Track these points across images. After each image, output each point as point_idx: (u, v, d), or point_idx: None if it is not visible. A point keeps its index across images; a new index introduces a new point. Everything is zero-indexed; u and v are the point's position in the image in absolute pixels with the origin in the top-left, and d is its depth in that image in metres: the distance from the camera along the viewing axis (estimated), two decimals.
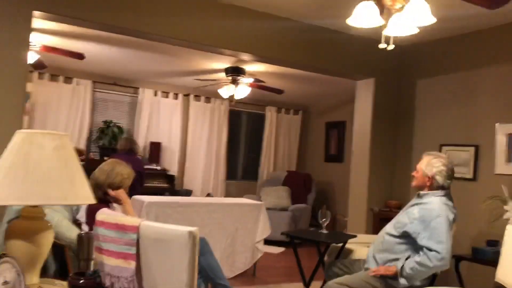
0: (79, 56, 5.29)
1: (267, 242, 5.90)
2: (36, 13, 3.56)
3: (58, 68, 6.71)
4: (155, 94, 7.57)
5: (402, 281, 2.81)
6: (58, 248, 2.34)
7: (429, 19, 2.44)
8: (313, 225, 7.22)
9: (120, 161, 3.01)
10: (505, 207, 3.68)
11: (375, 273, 2.91)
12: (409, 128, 5.14)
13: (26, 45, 3.51)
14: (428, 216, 2.84)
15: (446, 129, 4.72)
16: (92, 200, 1.94)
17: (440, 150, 4.68)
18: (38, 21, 4.05)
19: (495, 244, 3.64)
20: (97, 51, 5.70)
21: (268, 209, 6.43)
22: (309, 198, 7.44)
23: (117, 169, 2.89)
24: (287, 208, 7.08)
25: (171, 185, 7.22)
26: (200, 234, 4.42)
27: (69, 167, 1.87)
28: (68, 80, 6.94)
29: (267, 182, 7.89)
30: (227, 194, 8.12)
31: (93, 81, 7.10)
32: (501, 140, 4.16)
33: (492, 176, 4.21)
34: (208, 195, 7.75)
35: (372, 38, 4.40)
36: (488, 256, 3.54)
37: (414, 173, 3.11)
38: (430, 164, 3.01)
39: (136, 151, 5.66)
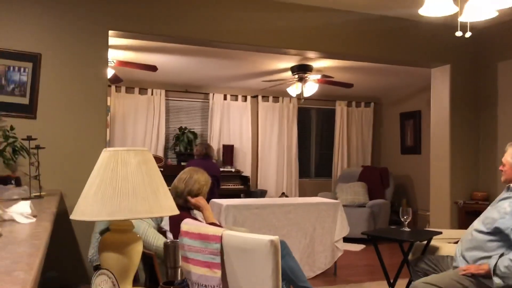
0: (152, 68, 5.52)
1: (347, 240, 5.82)
2: (111, 32, 3.77)
3: (133, 80, 7.06)
4: (225, 98, 7.73)
5: (497, 280, 2.63)
6: (147, 257, 2.46)
7: (509, 0, 2.27)
8: (393, 221, 7.01)
9: (197, 168, 3.09)
10: None
11: (466, 272, 2.76)
12: (492, 114, 4.82)
13: (105, 62, 3.73)
14: None
15: None
16: (176, 211, 2.01)
17: None
18: (112, 38, 4.29)
19: None
20: (168, 61, 5.92)
21: (345, 206, 6.35)
22: (387, 193, 7.22)
23: (195, 177, 2.98)
24: (364, 205, 6.92)
25: (246, 186, 7.34)
26: (277, 235, 4.46)
27: (152, 180, 1.95)
28: (143, 91, 7.28)
29: (341, 179, 7.77)
30: (301, 193, 8.10)
31: (166, 90, 7.38)
32: None
33: None
34: (283, 194, 7.78)
35: (444, 23, 4.18)
36: None
37: (501, 167, 2.92)
38: None
39: (211, 155, 5.80)
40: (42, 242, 1.41)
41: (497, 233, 2.75)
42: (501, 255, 2.70)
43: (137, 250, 1.97)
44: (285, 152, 8.05)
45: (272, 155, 7.99)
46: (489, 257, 2.75)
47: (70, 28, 3.57)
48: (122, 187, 1.86)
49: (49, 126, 3.45)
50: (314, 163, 8.62)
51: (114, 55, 5.49)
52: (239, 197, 6.70)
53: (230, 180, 7.29)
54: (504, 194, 2.89)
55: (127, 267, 1.93)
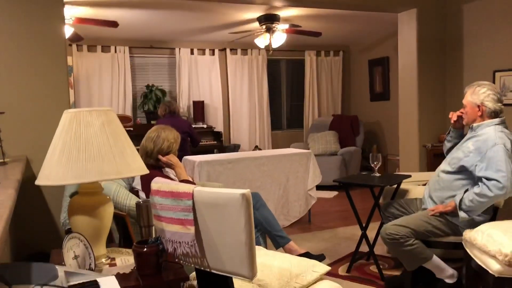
0: (113, 24, 5.29)
1: (320, 188, 5.94)
2: None
3: (95, 38, 6.79)
4: (192, 53, 7.54)
5: (462, 214, 2.75)
6: (120, 218, 2.44)
7: None
8: (364, 167, 7.17)
9: (165, 126, 3.04)
10: None
11: (434, 212, 2.87)
12: (458, 57, 4.86)
13: (61, 18, 3.53)
14: (484, 147, 2.74)
15: (498, 54, 4.43)
16: (145, 170, 1.99)
17: (493, 77, 4.44)
18: None
19: None
20: (129, 16, 5.69)
21: (317, 155, 6.44)
22: (357, 140, 7.34)
23: (163, 135, 2.93)
24: (336, 153, 7.04)
25: (218, 141, 7.32)
26: (252, 188, 4.50)
27: (118, 140, 1.90)
28: (105, 48, 7.02)
29: (313, 129, 7.83)
30: (274, 145, 8.15)
31: (130, 46, 7.15)
32: None
33: None
34: (256, 147, 7.81)
35: None
36: None
37: (461, 111, 2.99)
38: (475, 93, 2.88)
39: (178, 112, 5.71)
40: (5, 211, 1.37)
41: (462, 171, 2.84)
42: (466, 191, 2.80)
43: (108, 211, 1.95)
44: (256, 105, 8.01)
45: (244, 109, 7.95)
46: (455, 196, 2.85)
47: None
48: (87, 149, 1.81)
49: (7, 89, 3.29)
50: (286, 114, 8.63)
51: (72, 12, 5.22)
52: (212, 153, 6.69)
53: (203, 136, 7.24)
54: (468, 134, 2.96)
55: (99, 229, 1.92)
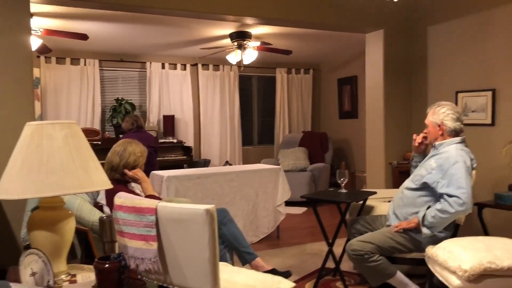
0: (83, 36, 5.23)
1: (290, 204, 5.96)
2: None
3: (64, 50, 6.70)
4: (163, 67, 7.52)
5: (425, 230, 2.81)
6: (83, 233, 2.39)
7: None
8: (333, 183, 7.24)
9: (131, 140, 3.01)
10: None
11: (398, 228, 2.92)
12: (423, 78, 5.02)
13: (27, 30, 3.48)
14: (446, 164, 2.83)
15: (461, 76, 4.60)
16: (109, 185, 1.96)
17: (456, 97, 4.59)
18: (37, 5, 4.00)
19: None
20: (100, 29, 5.64)
21: (287, 171, 6.48)
22: (326, 157, 7.43)
23: (129, 148, 2.90)
24: (305, 169, 7.10)
25: (188, 156, 7.27)
26: (220, 203, 4.48)
27: (81, 154, 1.88)
28: (75, 61, 6.93)
29: (283, 145, 7.89)
30: (245, 160, 8.16)
31: (100, 59, 7.07)
32: None
33: (511, 119, 4.11)
34: (226, 163, 7.80)
35: None
36: (510, 201, 3.51)
37: (425, 131, 3.09)
38: (435, 113, 3.01)
39: (143, 126, 5.65)
40: None
41: (425, 188, 2.92)
42: (428, 207, 2.87)
43: (69, 226, 1.91)
44: (227, 120, 8.02)
45: (215, 124, 7.95)
46: (418, 212, 2.91)
47: None
48: (49, 163, 1.78)
49: None
50: (257, 130, 8.67)
51: (40, 24, 5.15)
52: (182, 168, 6.63)
53: (172, 151, 7.19)
54: (431, 153, 3.05)
55: (59, 244, 1.87)
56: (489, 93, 4.31)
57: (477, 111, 4.41)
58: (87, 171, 1.86)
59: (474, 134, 4.17)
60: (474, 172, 2.96)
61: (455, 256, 2.44)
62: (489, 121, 4.32)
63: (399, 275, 2.89)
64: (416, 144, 3.18)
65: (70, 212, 1.96)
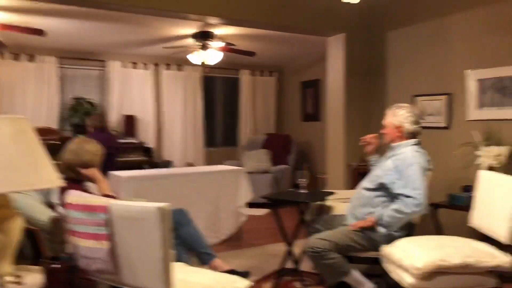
0: (39, 32, 5.07)
1: (252, 205, 5.94)
2: None
3: (20, 46, 6.46)
4: (124, 66, 7.38)
5: (381, 229, 2.88)
6: (33, 233, 2.30)
7: None
8: (295, 185, 7.28)
9: (87, 138, 2.94)
10: (477, 153, 3.75)
11: (355, 227, 2.97)
12: (382, 81, 5.13)
13: None
14: (402, 165, 2.89)
15: (418, 80, 4.73)
16: (59, 183, 1.89)
17: (413, 101, 4.71)
18: None
19: (470, 189, 3.71)
20: (58, 25, 5.48)
21: (249, 173, 6.45)
22: (289, 159, 7.48)
23: (85, 147, 2.82)
24: (268, 171, 7.12)
25: (149, 157, 7.15)
26: (181, 204, 4.42)
27: (31, 151, 1.80)
28: (31, 58, 6.70)
29: (247, 146, 7.89)
30: (208, 162, 8.10)
31: (58, 57, 6.87)
32: (472, 87, 4.19)
33: (465, 123, 4.26)
34: (189, 164, 7.72)
35: None
36: (463, 201, 3.63)
37: (383, 131, 3.15)
38: (395, 115, 3.07)
39: (107, 126, 5.55)
40: None
41: (381, 188, 2.98)
42: (385, 207, 2.93)
43: (15, 226, 1.83)
44: (190, 121, 7.95)
45: (177, 125, 7.86)
46: (375, 212, 2.97)
47: None
48: None
49: None
50: (220, 132, 8.63)
51: None
52: (142, 169, 6.51)
53: (133, 152, 7.05)
54: (387, 153, 3.12)
55: (3, 245, 1.79)
56: (445, 97, 4.45)
57: (434, 114, 4.54)
58: (36, 168, 1.79)
59: (430, 136, 4.28)
60: (430, 173, 3.05)
61: (409, 254, 2.50)
62: (444, 124, 4.46)
63: (355, 273, 2.93)
64: (364, 144, 3.26)
65: (16, 211, 1.88)
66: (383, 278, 2.87)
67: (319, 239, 2.91)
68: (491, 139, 3.80)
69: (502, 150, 3.61)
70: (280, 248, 4.57)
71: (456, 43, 4.36)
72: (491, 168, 3.58)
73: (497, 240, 2.58)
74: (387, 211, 2.86)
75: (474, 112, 4.18)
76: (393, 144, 3.08)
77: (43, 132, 6.33)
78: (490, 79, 4.05)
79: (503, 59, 3.95)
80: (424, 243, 2.60)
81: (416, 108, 3.19)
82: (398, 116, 3.06)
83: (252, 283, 2.25)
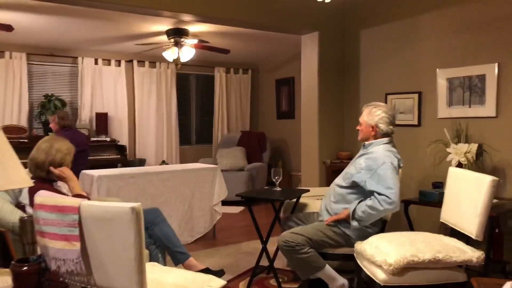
0: (7, 27, 4.93)
1: (227, 203, 5.95)
2: None
3: None
4: (96, 63, 7.25)
5: (354, 223, 2.93)
6: (1, 234, 2.24)
7: None
8: (270, 183, 7.32)
9: (57, 137, 2.87)
10: (448, 150, 3.84)
11: (330, 222, 2.99)
12: (355, 80, 5.19)
13: None
14: (374, 165, 2.94)
15: (390, 78, 4.80)
16: (29, 183, 1.85)
17: (385, 99, 4.78)
18: None
19: (441, 186, 3.81)
20: (27, 21, 5.33)
21: (225, 170, 6.46)
22: (264, 157, 7.50)
23: (56, 145, 2.76)
24: (243, 168, 7.12)
25: (122, 156, 7.06)
26: (155, 203, 4.38)
27: None
28: None
29: (222, 144, 7.87)
30: (183, 160, 8.05)
31: (27, 53, 6.69)
32: (442, 85, 4.28)
33: (435, 120, 4.36)
34: (163, 162, 7.66)
35: None
36: (434, 198, 3.70)
37: (358, 127, 3.18)
38: (371, 114, 3.09)
39: (73, 125, 5.45)
40: None
41: (354, 186, 3.02)
42: (360, 201, 2.97)
43: None
44: (164, 119, 7.87)
45: (151, 122, 7.77)
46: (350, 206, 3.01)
47: None
48: None
49: None
50: (195, 130, 8.59)
51: None
52: (115, 167, 6.42)
53: (105, 150, 6.95)
54: (361, 151, 3.16)
55: None
56: (416, 96, 4.54)
57: (405, 112, 4.62)
58: (5, 168, 1.75)
59: (402, 134, 4.36)
60: (400, 170, 3.11)
61: (381, 250, 2.54)
62: (415, 122, 4.55)
63: (328, 268, 2.96)
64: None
65: None
66: (356, 274, 2.91)
67: (293, 233, 2.94)
68: (460, 137, 3.90)
69: (471, 147, 3.71)
70: (254, 245, 4.59)
71: (426, 42, 4.44)
72: (460, 165, 3.68)
73: (467, 235, 2.65)
74: (361, 207, 2.91)
75: (444, 110, 4.27)
76: (366, 143, 3.12)
77: (12, 131, 6.18)
78: (459, 78, 4.15)
79: (471, 58, 4.05)
80: (396, 239, 2.64)
81: (392, 108, 3.21)
82: (374, 115, 3.07)
83: (225, 282, 2.24)
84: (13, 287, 1.70)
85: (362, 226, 2.94)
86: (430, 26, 4.41)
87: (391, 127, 3.08)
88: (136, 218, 1.57)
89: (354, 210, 2.93)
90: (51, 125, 5.46)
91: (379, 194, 2.85)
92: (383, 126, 3.06)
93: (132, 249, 1.58)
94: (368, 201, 2.89)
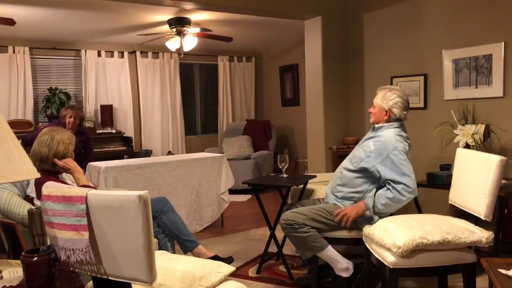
0: (9, 21, 4.92)
1: (234, 191, 5.96)
2: None
3: None
4: (99, 55, 7.24)
5: (375, 217, 2.86)
6: (10, 227, 2.26)
7: None
8: (276, 171, 7.32)
9: (56, 128, 2.85)
10: (455, 131, 3.81)
11: (344, 218, 2.88)
12: (359, 64, 5.15)
13: None
14: (384, 149, 2.87)
15: (395, 61, 4.76)
16: (35, 175, 1.85)
17: (391, 82, 4.74)
18: None
19: (448, 168, 3.78)
20: (29, 15, 5.32)
21: (231, 159, 6.47)
22: (270, 144, 7.49)
23: (57, 137, 2.74)
24: (249, 157, 7.12)
25: (128, 147, 7.07)
26: (162, 193, 4.39)
27: (4, 143, 1.75)
28: (2, 48, 6.51)
29: (227, 134, 7.86)
30: (188, 150, 8.06)
31: (30, 47, 6.69)
32: (447, 67, 4.24)
33: (442, 102, 4.32)
34: (169, 153, 7.67)
35: None
36: (442, 180, 3.68)
37: (371, 109, 3.09)
38: (385, 98, 3.00)
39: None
40: None
41: (362, 170, 2.98)
42: (370, 191, 2.92)
43: None
44: (169, 110, 7.87)
45: (156, 113, 7.77)
46: (356, 192, 2.98)
47: None
48: None
49: None
50: (200, 119, 8.58)
51: None
52: (122, 159, 6.45)
53: (111, 142, 6.96)
54: (369, 134, 3.11)
55: None
56: (422, 78, 4.50)
57: (411, 95, 4.58)
58: (11, 160, 1.74)
59: (409, 117, 4.32)
60: (409, 152, 3.07)
61: (390, 233, 2.53)
62: (421, 104, 4.51)
63: (330, 250, 2.91)
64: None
65: None
66: (365, 257, 2.90)
67: (295, 212, 2.93)
68: (467, 118, 3.86)
69: (478, 128, 3.67)
70: (262, 233, 4.61)
71: (431, 24, 4.39)
72: (467, 147, 3.65)
73: (476, 216, 2.64)
74: (381, 199, 2.82)
75: (450, 92, 4.23)
76: (376, 125, 3.07)
77: (18, 125, 6.21)
78: (465, 59, 4.10)
79: (477, 38, 3.99)
80: (405, 221, 2.63)
81: (406, 93, 3.13)
82: (388, 100, 2.99)
83: (234, 268, 2.25)
84: (24, 277, 1.71)
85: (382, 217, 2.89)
86: (434, 7, 4.35)
87: (405, 112, 3.01)
88: (143, 205, 1.56)
89: (373, 205, 2.86)
90: (66, 121, 4.82)
91: (396, 182, 2.80)
92: (397, 111, 2.98)
93: (140, 237, 1.57)
94: (389, 193, 2.81)
